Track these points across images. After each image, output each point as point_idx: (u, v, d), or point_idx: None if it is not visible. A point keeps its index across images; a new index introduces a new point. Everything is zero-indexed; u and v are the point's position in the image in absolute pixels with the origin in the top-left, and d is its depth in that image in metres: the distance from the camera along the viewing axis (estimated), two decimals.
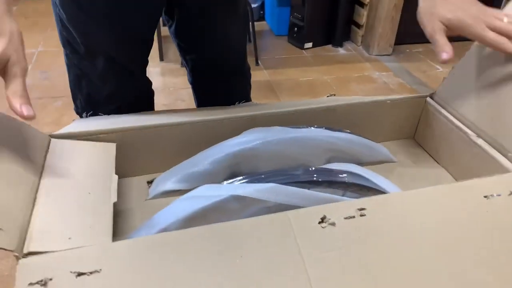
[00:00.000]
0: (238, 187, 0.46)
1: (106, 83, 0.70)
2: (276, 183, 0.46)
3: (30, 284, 0.34)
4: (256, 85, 1.85)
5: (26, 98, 0.41)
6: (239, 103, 0.72)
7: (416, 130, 0.68)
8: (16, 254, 0.36)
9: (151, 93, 0.81)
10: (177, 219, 0.45)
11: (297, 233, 0.40)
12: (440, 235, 0.41)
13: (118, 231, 0.49)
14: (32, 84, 1.77)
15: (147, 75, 0.79)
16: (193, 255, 0.37)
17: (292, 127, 0.56)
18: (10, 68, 0.41)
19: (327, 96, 0.72)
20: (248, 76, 0.88)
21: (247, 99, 0.87)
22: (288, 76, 1.93)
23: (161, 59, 2.01)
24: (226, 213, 0.46)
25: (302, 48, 2.21)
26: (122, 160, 0.56)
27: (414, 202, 0.44)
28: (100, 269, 0.36)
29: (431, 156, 0.65)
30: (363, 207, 0.43)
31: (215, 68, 0.81)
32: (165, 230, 0.45)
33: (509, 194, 0.45)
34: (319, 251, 0.39)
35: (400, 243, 0.40)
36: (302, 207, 0.46)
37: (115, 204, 0.53)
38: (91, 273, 0.35)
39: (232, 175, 0.55)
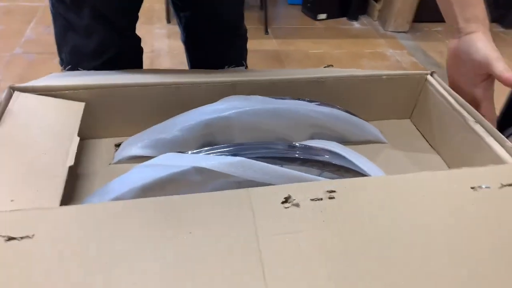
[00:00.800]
0: (202, 158, 0.42)
1: (92, 36, 0.66)
2: (245, 156, 0.42)
3: None
4: (263, 54, 1.79)
5: None
6: (229, 67, 0.68)
7: (413, 110, 0.63)
8: None
9: (139, 51, 0.77)
10: (133, 188, 0.41)
11: (256, 212, 0.36)
12: (414, 227, 0.37)
13: (75, 196, 0.46)
14: (35, 39, 1.73)
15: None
16: (137, 228, 0.34)
17: (273, 98, 0.51)
18: None
19: (324, 67, 0.67)
20: (244, 39, 0.83)
21: (241, 63, 0.82)
22: (297, 47, 1.86)
23: (168, 21, 1.94)
24: (187, 186, 0.43)
25: (315, 19, 2.12)
26: (90, 120, 0.52)
27: (391, 189, 0.39)
28: (33, 235, 0.33)
29: (426, 139, 0.60)
30: (333, 190, 0.39)
31: (209, 27, 0.77)
32: (118, 198, 0.42)
33: (500, 187, 0.41)
34: (277, 232, 0.35)
35: (368, 232, 0.36)
36: (274, 184, 0.43)
37: (76, 167, 0.50)
38: (22, 238, 0.33)
39: (206, 144, 0.52)
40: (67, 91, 0.50)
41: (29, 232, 0.33)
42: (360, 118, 0.56)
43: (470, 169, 0.43)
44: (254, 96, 0.51)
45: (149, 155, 0.49)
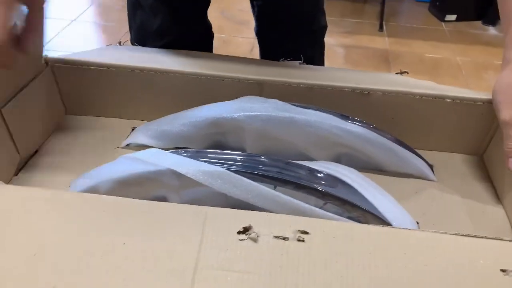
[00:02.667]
0: (182, 161, 0.38)
1: (156, 15, 0.66)
2: (231, 168, 0.37)
3: None
4: (370, 52, 1.65)
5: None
6: (284, 59, 0.61)
7: (487, 147, 0.50)
8: None
9: (209, 37, 0.75)
10: (110, 179, 0.39)
11: (206, 237, 0.31)
12: None
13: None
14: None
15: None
16: (76, 224, 0.32)
17: (294, 105, 0.44)
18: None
19: (396, 74, 0.57)
20: (318, 34, 0.76)
21: (309, 60, 0.75)
22: (411, 49, 1.67)
23: None
24: (165, 187, 0.39)
25: (442, 20, 1.88)
26: (111, 99, 0.52)
27: (386, 248, 0.31)
28: None
29: (493, 186, 0.47)
30: (306, 231, 0.31)
31: (279, 17, 0.72)
32: (94, 187, 0.40)
33: None
34: (220, 267, 0.30)
35: None
36: (261, 207, 0.37)
37: (92, 143, 0.50)
38: None
39: (215, 144, 0.48)
40: (92, 67, 0.50)
41: None
42: (407, 146, 0.46)
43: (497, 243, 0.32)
44: (273, 100, 0.45)
45: (153, 145, 0.47)
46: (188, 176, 0.37)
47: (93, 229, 0.32)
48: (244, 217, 0.32)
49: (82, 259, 0.30)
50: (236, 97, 0.48)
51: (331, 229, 0.32)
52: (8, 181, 0.45)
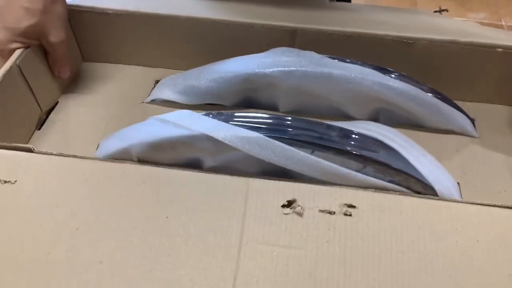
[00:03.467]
0: (216, 126, 0.36)
1: None
2: (269, 134, 0.35)
3: None
4: None
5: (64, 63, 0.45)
6: None
7: None
8: None
9: None
10: (142, 142, 0.37)
11: (249, 211, 0.30)
12: (442, 281, 0.27)
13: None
14: None
15: None
16: (117, 199, 0.31)
17: (332, 58, 0.41)
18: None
19: (435, 11, 0.53)
20: None
21: None
22: None
23: None
24: (199, 151, 0.38)
25: None
26: (134, 46, 0.49)
27: (431, 219, 0.30)
28: (15, 181, 0.32)
29: None
30: (353, 204, 0.30)
31: None
32: (127, 150, 0.38)
33: None
34: (264, 242, 0.29)
35: (379, 274, 0.28)
36: (300, 173, 0.36)
37: (116, 90, 0.48)
38: (5, 181, 0.32)
39: (245, 100, 0.45)
40: (110, 12, 0.46)
41: (12, 177, 0.32)
42: (448, 100, 0.43)
43: None
44: (309, 52, 0.41)
45: (180, 101, 0.45)
46: (225, 142, 0.35)
47: (134, 203, 0.31)
48: (288, 189, 0.31)
49: (125, 234, 0.30)
50: (267, 46, 0.45)
51: (379, 202, 0.31)
52: (30, 136, 0.43)
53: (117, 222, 0.30)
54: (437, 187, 0.37)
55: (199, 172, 0.32)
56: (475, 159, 0.42)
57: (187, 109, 0.45)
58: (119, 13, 0.46)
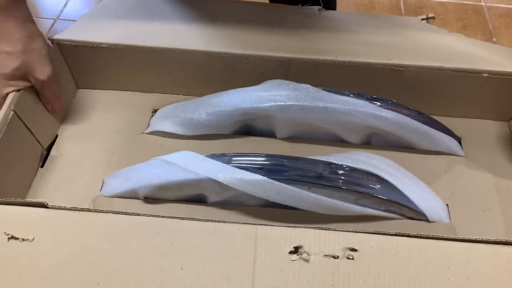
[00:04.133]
0: (220, 169, 0.37)
1: None
2: (278, 176, 0.37)
3: None
4: None
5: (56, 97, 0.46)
6: (302, 5, 0.56)
7: None
8: None
9: None
10: (150, 184, 0.39)
11: (259, 258, 0.33)
12: None
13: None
14: None
15: None
16: (132, 251, 0.33)
17: (326, 91, 0.43)
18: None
19: (422, 20, 0.54)
20: None
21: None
22: None
23: None
24: (204, 190, 0.40)
25: None
26: (125, 74, 0.49)
27: (430, 259, 0.33)
28: (33, 238, 0.33)
29: None
30: (354, 248, 0.33)
31: None
32: (135, 190, 0.40)
33: None
34: (275, 286, 0.32)
35: None
36: (299, 208, 0.38)
37: (114, 120, 0.49)
38: (23, 239, 0.33)
39: (244, 129, 0.47)
40: (104, 46, 0.46)
41: (30, 235, 0.33)
42: (436, 124, 0.46)
43: None
44: (305, 86, 0.43)
45: (180, 133, 0.46)
46: (230, 185, 0.37)
47: (150, 255, 0.33)
48: (294, 235, 0.33)
49: (143, 285, 0.32)
50: (262, 74, 0.46)
51: (378, 244, 0.33)
52: (35, 174, 0.44)
53: (136, 275, 0.32)
54: (428, 213, 0.40)
55: (209, 222, 0.34)
56: (461, 178, 0.45)
57: (186, 139, 0.46)
58: (113, 46, 0.46)
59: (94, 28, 0.47)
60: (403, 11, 1.28)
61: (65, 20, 1.25)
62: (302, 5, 0.53)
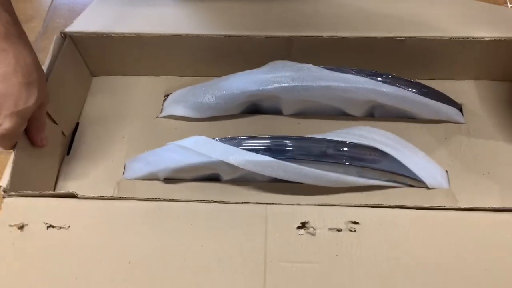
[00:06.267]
0: (231, 152, 0.40)
1: None
2: (283, 155, 0.40)
3: (10, 225, 0.37)
4: None
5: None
6: None
7: None
8: (3, 192, 0.39)
9: None
10: (168, 167, 0.43)
11: (269, 233, 0.36)
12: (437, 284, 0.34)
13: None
14: None
15: None
16: (157, 232, 0.37)
17: (328, 69, 0.44)
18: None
19: None
20: None
21: None
22: None
23: None
24: (217, 170, 0.43)
25: None
26: (143, 59, 0.52)
27: (425, 229, 0.36)
28: (69, 226, 0.37)
29: None
30: (356, 221, 0.36)
31: None
32: (155, 173, 0.44)
33: None
34: (285, 259, 0.35)
35: (383, 280, 0.34)
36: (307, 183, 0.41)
37: (128, 101, 0.53)
38: (60, 227, 0.37)
39: (251, 108, 0.49)
40: (114, 35, 0.48)
41: (65, 223, 0.37)
42: (436, 94, 0.47)
43: None
44: (307, 66, 0.44)
45: (192, 116, 0.48)
46: (241, 167, 0.40)
47: (173, 235, 0.37)
48: (300, 212, 0.37)
49: (170, 262, 0.36)
50: (267, 53, 0.48)
51: (378, 217, 0.36)
52: (61, 162, 0.48)
53: (161, 254, 0.36)
54: (427, 181, 0.43)
55: (222, 204, 0.38)
56: (461, 145, 0.47)
57: (198, 121, 0.49)
58: (121, 36, 0.48)
59: (102, 18, 0.49)
60: None
61: None
62: None
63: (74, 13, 1.19)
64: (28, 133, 0.41)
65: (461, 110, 0.49)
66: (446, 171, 0.45)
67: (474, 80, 0.52)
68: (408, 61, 0.48)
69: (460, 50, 0.47)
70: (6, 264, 0.36)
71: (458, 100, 0.50)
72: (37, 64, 0.39)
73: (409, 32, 0.46)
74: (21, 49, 0.37)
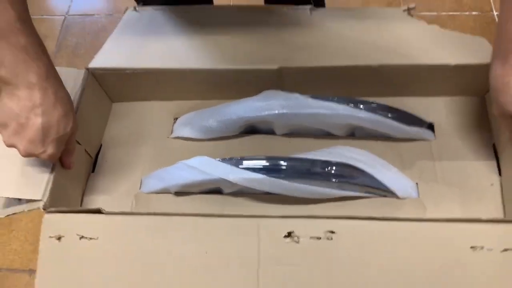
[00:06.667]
0: (231, 170, 0.48)
1: None
2: (278, 174, 0.48)
3: (50, 237, 0.46)
4: None
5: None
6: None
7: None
8: (43, 209, 0.47)
9: None
10: (178, 183, 0.51)
11: (262, 241, 0.44)
12: (398, 281, 0.42)
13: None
14: None
15: None
16: (170, 241, 0.45)
17: (313, 98, 0.52)
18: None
19: (404, 11, 0.61)
20: None
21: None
22: None
23: None
24: (220, 186, 0.51)
25: None
26: (149, 88, 0.60)
27: (388, 236, 0.43)
28: (97, 237, 0.46)
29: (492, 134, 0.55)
30: (332, 230, 0.44)
31: None
32: (167, 188, 0.52)
33: (502, 251, 0.42)
34: (275, 263, 0.43)
35: (353, 280, 0.42)
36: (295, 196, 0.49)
37: (144, 123, 0.61)
38: (90, 238, 0.46)
39: (248, 130, 0.57)
40: (128, 71, 0.56)
41: (95, 234, 0.45)
42: (407, 118, 0.54)
43: (472, 226, 0.43)
44: (294, 96, 0.52)
45: (198, 137, 0.56)
46: (238, 183, 0.48)
47: (182, 243, 0.45)
48: (287, 224, 0.44)
49: (182, 265, 0.44)
50: (261, 83, 0.55)
51: (351, 227, 0.44)
52: (87, 179, 0.56)
53: (174, 259, 0.44)
54: (398, 192, 0.50)
55: (223, 217, 0.45)
56: (430, 159, 0.54)
57: (203, 141, 0.57)
58: (135, 71, 0.56)
59: (118, 55, 0.57)
60: None
61: (74, 15, 1.32)
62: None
63: (85, 32, 1.29)
64: (61, 157, 0.49)
65: (432, 127, 0.56)
66: (416, 183, 0.52)
67: (444, 96, 0.58)
68: (386, 84, 0.55)
69: (430, 74, 0.54)
70: (48, 269, 0.45)
71: (430, 116, 0.57)
72: (69, 97, 0.47)
73: (385, 60, 0.53)
74: (57, 86, 0.45)
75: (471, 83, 0.56)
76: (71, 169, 0.51)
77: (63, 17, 1.33)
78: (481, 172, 0.53)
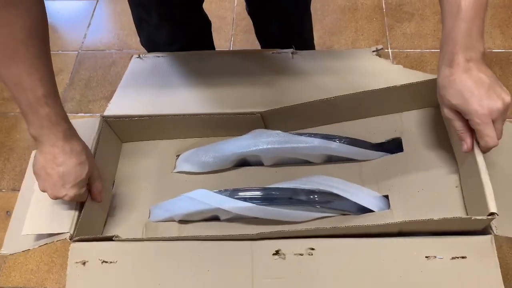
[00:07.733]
0: (226, 201, 0.57)
1: (163, 31, 0.78)
2: (262, 203, 0.57)
3: (76, 262, 0.54)
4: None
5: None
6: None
7: None
8: (69, 239, 0.56)
9: (208, 27, 0.86)
10: (181, 213, 0.60)
11: (255, 260, 0.53)
12: None
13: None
14: None
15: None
16: (175, 263, 0.54)
17: (294, 135, 0.61)
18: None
19: (373, 52, 0.70)
20: (306, 8, 0.85)
21: (301, 41, 0.86)
22: None
23: None
24: (217, 213, 0.60)
25: None
26: (154, 130, 0.69)
27: (356, 252, 0.52)
28: (116, 261, 0.54)
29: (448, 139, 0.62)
30: (312, 247, 0.53)
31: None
32: (172, 217, 0.61)
33: (451, 259, 0.50)
34: (265, 276, 0.52)
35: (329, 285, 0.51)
36: (281, 220, 0.58)
37: (150, 159, 0.70)
38: (111, 262, 0.54)
39: (240, 163, 0.66)
40: (136, 118, 0.66)
41: (114, 258, 0.54)
42: (375, 146, 0.64)
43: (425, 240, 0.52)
44: (277, 132, 0.62)
45: (197, 171, 0.66)
46: (232, 211, 0.57)
47: (187, 263, 0.53)
48: (274, 244, 0.53)
49: (186, 282, 0.52)
50: (248, 123, 0.65)
51: (329, 244, 0.53)
52: (108, 209, 0.65)
53: (180, 277, 0.53)
54: (372, 208, 0.59)
55: (221, 241, 0.54)
56: (399, 171, 0.62)
57: (202, 174, 0.66)
58: (141, 118, 0.65)
59: (127, 104, 0.66)
60: (384, 10, 1.39)
61: (87, 50, 1.43)
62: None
63: (96, 66, 1.39)
64: (90, 193, 0.59)
65: (400, 142, 0.64)
66: (387, 195, 0.61)
67: (407, 111, 0.67)
68: (342, 109, 0.66)
69: (382, 99, 0.64)
70: None
71: (399, 128, 0.65)
72: (85, 148, 0.57)
73: (338, 92, 0.63)
74: (74, 142, 0.55)
75: (425, 97, 0.64)
76: (100, 202, 0.61)
77: (77, 52, 1.44)
78: (445, 178, 0.60)
